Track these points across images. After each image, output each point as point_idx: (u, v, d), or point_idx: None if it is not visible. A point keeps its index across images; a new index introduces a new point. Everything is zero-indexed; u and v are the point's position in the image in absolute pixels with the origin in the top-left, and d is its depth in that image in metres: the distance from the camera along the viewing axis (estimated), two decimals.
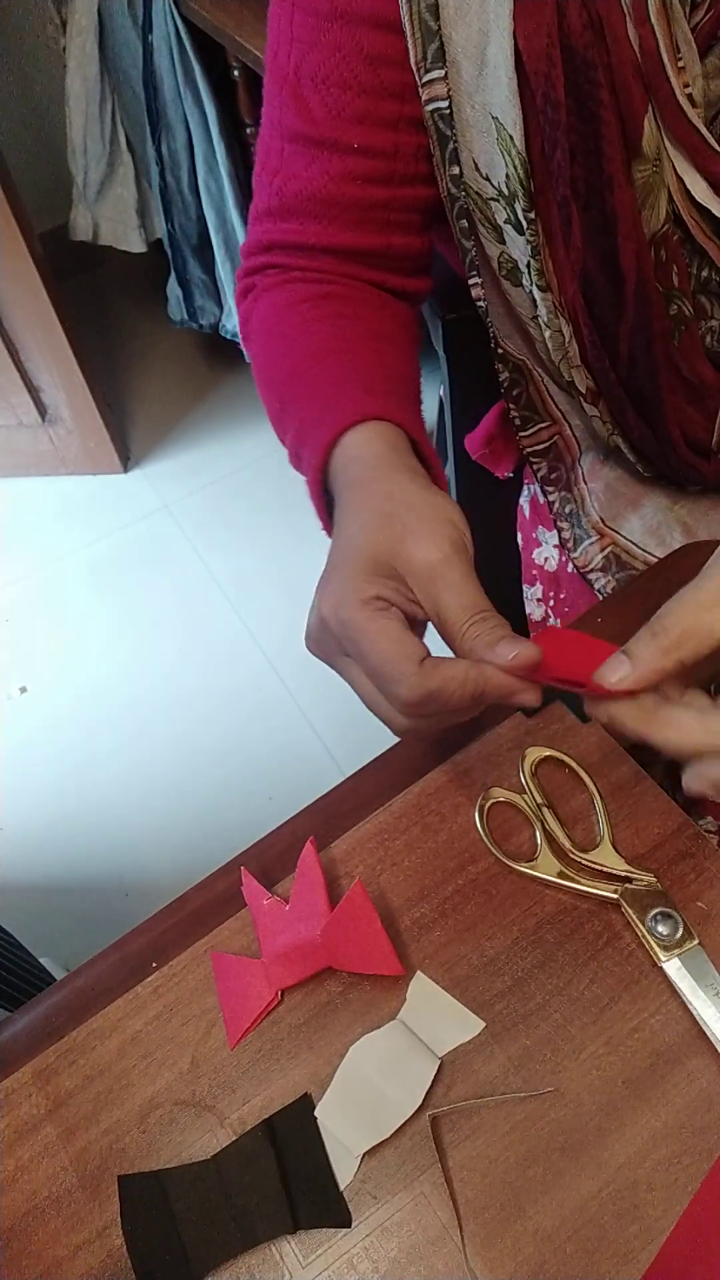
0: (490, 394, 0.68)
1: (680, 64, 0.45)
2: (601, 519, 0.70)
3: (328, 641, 0.43)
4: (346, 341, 0.55)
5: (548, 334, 0.56)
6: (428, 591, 0.41)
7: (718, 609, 0.38)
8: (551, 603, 0.76)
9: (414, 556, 0.41)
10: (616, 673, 0.38)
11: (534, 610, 0.79)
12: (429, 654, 0.40)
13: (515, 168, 0.49)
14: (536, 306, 0.55)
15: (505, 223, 0.52)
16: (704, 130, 0.46)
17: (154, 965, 0.48)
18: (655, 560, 0.67)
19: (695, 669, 0.39)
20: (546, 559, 0.77)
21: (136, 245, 1.78)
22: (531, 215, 0.50)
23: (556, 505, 0.72)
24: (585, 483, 0.71)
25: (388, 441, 0.47)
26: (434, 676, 0.39)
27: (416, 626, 0.42)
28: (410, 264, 0.60)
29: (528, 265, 0.53)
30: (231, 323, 1.80)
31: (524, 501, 0.81)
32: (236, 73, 1.44)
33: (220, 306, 1.83)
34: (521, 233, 0.52)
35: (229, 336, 1.84)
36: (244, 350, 0.64)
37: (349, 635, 0.41)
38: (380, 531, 0.42)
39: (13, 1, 1.85)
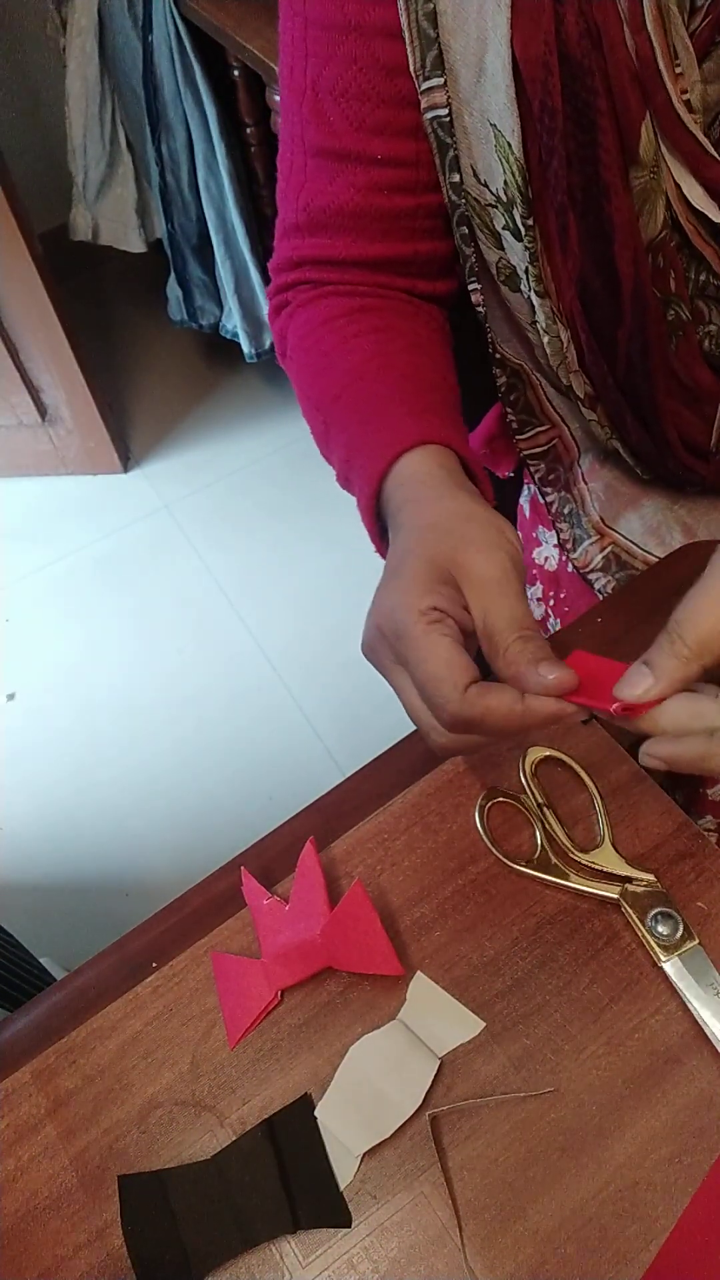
0: (491, 394, 0.68)
1: (678, 70, 0.45)
2: (601, 518, 0.70)
3: (382, 650, 0.44)
4: (386, 358, 0.56)
5: (546, 339, 0.56)
6: (480, 602, 0.41)
7: None
8: (552, 602, 0.76)
9: (472, 566, 0.42)
10: (640, 685, 0.39)
11: (534, 610, 0.79)
12: (478, 677, 0.40)
13: (513, 174, 0.49)
14: (535, 312, 0.55)
15: (503, 229, 0.53)
16: (701, 137, 0.46)
17: (154, 965, 0.48)
18: (655, 560, 0.67)
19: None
20: (547, 558, 0.77)
21: (136, 245, 1.78)
22: (529, 222, 0.51)
23: (555, 506, 0.72)
24: (585, 482, 0.71)
25: (439, 463, 0.49)
26: (477, 705, 0.39)
27: (468, 636, 0.43)
28: (437, 267, 0.60)
29: (526, 271, 0.53)
30: (231, 323, 1.80)
31: (524, 501, 0.81)
32: (236, 73, 1.44)
33: (220, 306, 1.83)
34: (519, 239, 0.52)
35: (229, 336, 1.84)
36: (282, 367, 0.65)
37: (402, 645, 0.42)
38: (440, 541, 0.43)
39: (13, 1, 1.85)
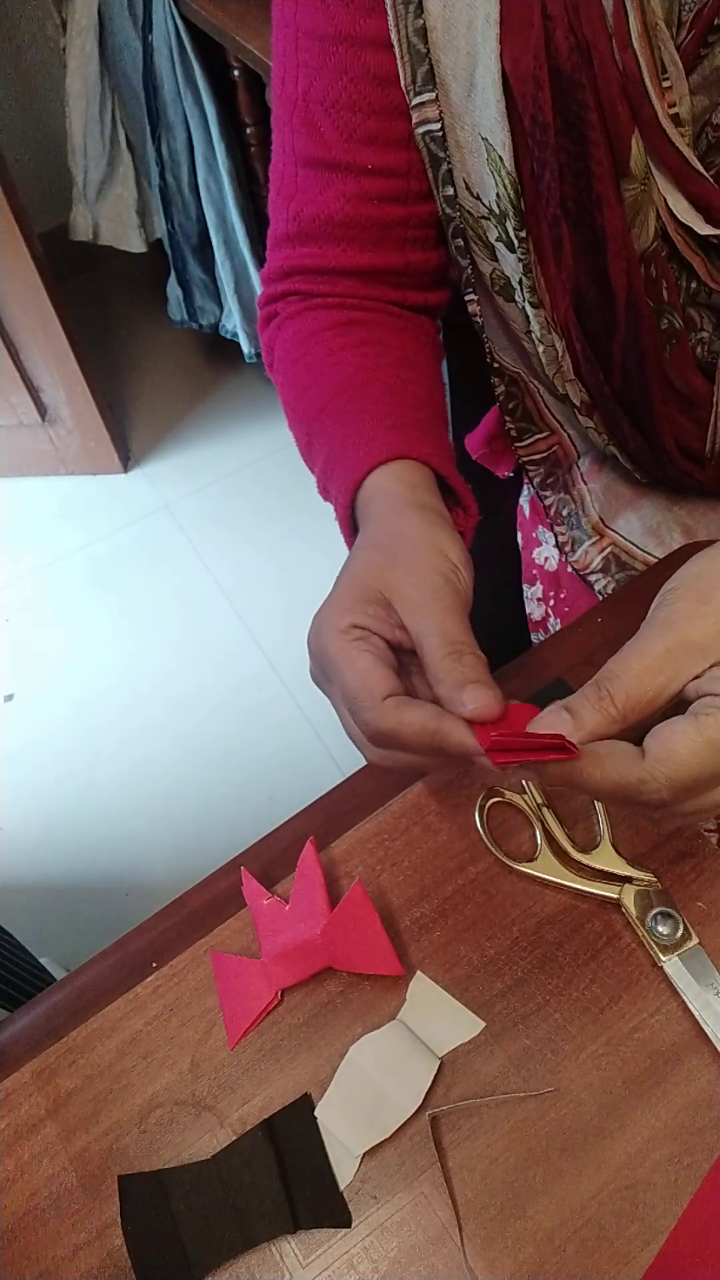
0: (491, 395, 0.68)
1: (666, 84, 0.45)
2: (601, 519, 0.70)
3: (316, 670, 0.45)
4: (372, 372, 0.55)
5: (541, 349, 0.57)
6: (412, 620, 0.41)
7: (663, 674, 0.37)
8: (552, 602, 0.76)
9: (401, 584, 0.42)
10: (558, 728, 0.37)
11: (534, 610, 0.79)
12: (399, 692, 0.40)
13: (505, 187, 0.49)
14: (529, 322, 0.56)
15: (497, 240, 0.53)
16: (685, 152, 0.46)
17: (154, 965, 0.48)
18: (655, 560, 0.67)
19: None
20: (546, 559, 0.77)
21: (136, 245, 1.78)
22: (523, 234, 0.51)
23: (554, 508, 0.72)
24: (585, 483, 0.71)
25: (408, 480, 0.48)
26: (391, 718, 0.39)
27: (403, 654, 0.43)
28: (429, 278, 0.60)
29: (520, 282, 0.54)
30: (231, 322, 1.80)
31: (524, 501, 0.81)
32: (236, 73, 1.44)
33: (220, 306, 1.83)
34: (513, 250, 0.52)
35: (229, 336, 1.84)
36: (270, 377, 0.64)
37: (326, 663, 0.42)
38: (373, 559, 0.44)
39: (13, 1, 1.85)
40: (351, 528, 0.51)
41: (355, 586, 0.43)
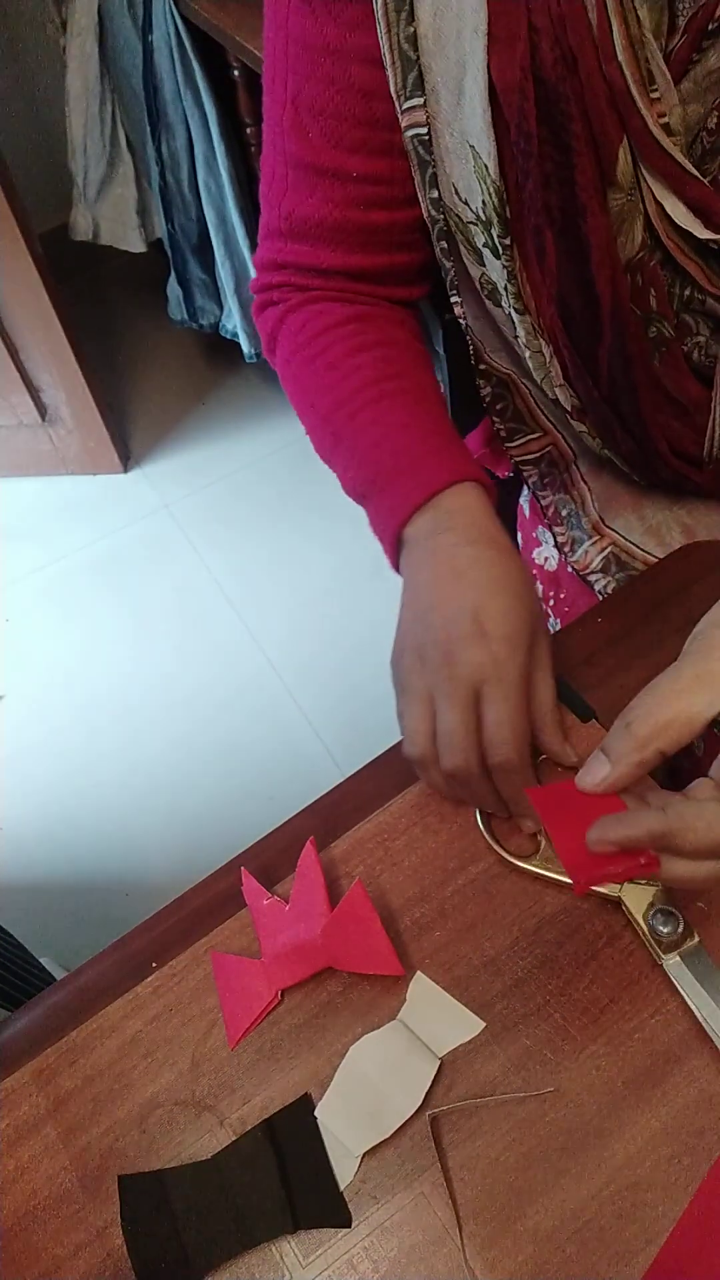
0: None
1: (655, 95, 0.45)
2: (600, 518, 0.70)
3: (459, 640, 0.47)
4: (395, 380, 0.57)
5: (528, 354, 0.57)
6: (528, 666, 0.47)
7: (693, 694, 0.38)
8: (552, 602, 0.76)
9: (536, 638, 0.48)
10: (598, 775, 0.39)
11: None
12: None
13: (490, 195, 0.50)
14: (516, 327, 0.56)
15: (484, 246, 0.54)
16: (680, 158, 0.46)
17: (154, 965, 0.48)
18: (655, 560, 0.67)
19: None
20: (547, 559, 0.77)
21: (136, 245, 1.78)
22: (507, 241, 0.52)
23: (553, 509, 0.72)
24: (585, 482, 0.71)
25: (481, 502, 0.52)
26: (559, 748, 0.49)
27: None
28: (414, 274, 0.62)
29: (505, 288, 0.54)
30: (231, 322, 1.80)
31: (524, 501, 0.81)
32: (236, 73, 1.44)
33: (220, 306, 1.83)
34: (498, 257, 0.53)
35: (229, 336, 1.84)
36: (269, 361, 0.67)
37: (504, 656, 0.46)
38: (524, 607, 0.48)
39: (13, 1, 1.85)
40: (396, 543, 0.54)
41: (526, 631, 0.48)
